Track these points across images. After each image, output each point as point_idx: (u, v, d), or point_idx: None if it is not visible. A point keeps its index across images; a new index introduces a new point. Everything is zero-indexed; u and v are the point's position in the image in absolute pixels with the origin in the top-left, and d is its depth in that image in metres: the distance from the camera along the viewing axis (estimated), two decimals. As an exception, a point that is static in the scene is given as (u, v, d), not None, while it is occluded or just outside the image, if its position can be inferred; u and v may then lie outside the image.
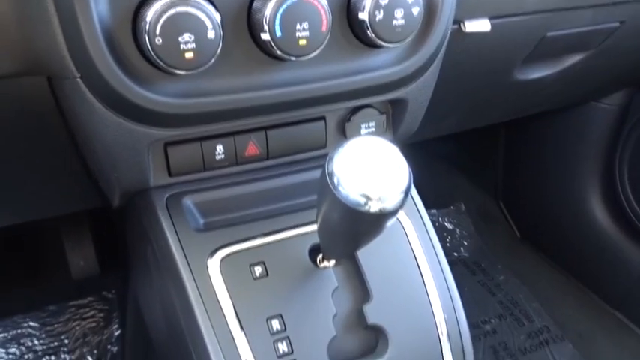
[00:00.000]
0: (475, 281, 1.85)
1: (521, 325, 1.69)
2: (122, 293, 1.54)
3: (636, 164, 1.59)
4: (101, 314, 1.56)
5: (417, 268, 0.77)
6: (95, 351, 1.50)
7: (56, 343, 1.49)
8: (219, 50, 0.62)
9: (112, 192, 0.77)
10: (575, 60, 1.19)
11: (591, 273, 1.77)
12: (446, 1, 0.73)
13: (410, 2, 0.68)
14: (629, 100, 1.58)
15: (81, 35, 0.58)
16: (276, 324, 0.67)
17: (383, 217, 0.55)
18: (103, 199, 0.90)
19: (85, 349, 1.49)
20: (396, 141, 0.87)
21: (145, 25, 0.58)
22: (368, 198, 0.53)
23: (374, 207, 0.54)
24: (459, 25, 0.86)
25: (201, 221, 0.73)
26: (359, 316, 0.72)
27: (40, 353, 1.47)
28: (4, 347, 1.46)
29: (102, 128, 0.65)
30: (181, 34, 0.59)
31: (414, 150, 0.93)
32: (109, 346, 1.51)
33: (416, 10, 0.69)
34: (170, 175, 0.73)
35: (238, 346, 0.66)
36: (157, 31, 0.58)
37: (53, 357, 1.47)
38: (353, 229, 0.59)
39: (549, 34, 1.02)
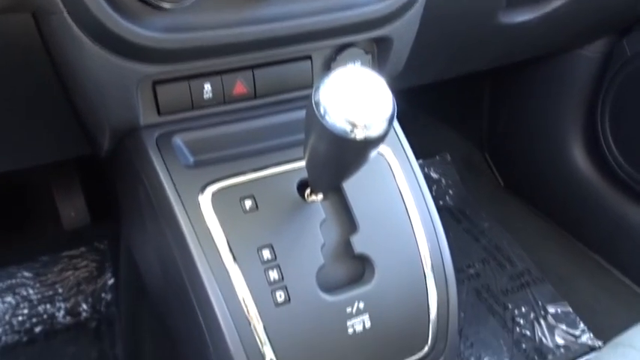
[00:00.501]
0: (460, 229, 1.90)
1: (504, 268, 1.75)
2: (113, 244, 1.56)
3: (617, 112, 1.62)
4: (94, 264, 1.58)
5: (402, 202, 0.79)
6: (90, 299, 1.53)
7: (51, 292, 1.52)
8: (205, -17, 0.62)
9: (101, 132, 0.78)
10: (559, 3, 1.20)
11: (573, 219, 1.83)
12: None
13: None
14: (612, 48, 1.59)
15: (66, -32, 0.58)
16: (266, 254, 0.70)
17: (368, 144, 0.57)
18: (91, 145, 0.91)
19: (79, 298, 1.53)
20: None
21: None
22: (354, 125, 0.55)
23: (359, 134, 0.56)
24: (444, -37, 0.87)
25: (192, 159, 0.75)
26: (346, 246, 0.74)
27: (35, 302, 1.50)
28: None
29: (90, 64, 0.65)
30: None
31: (400, 101, 0.94)
32: (102, 295, 1.54)
33: None
34: (159, 113, 0.74)
35: (232, 276, 0.68)
36: None
37: (49, 305, 1.50)
38: (339, 158, 0.61)
39: (534, -26, 1.03)
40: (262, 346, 0.68)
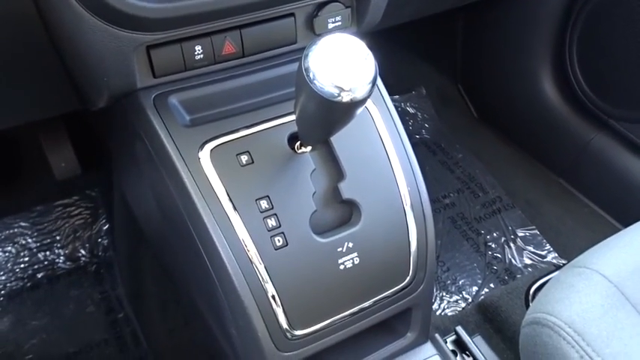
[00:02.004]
0: (436, 160, 1.99)
1: (477, 197, 1.86)
2: (105, 190, 1.61)
3: (584, 43, 1.68)
4: (87, 211, 1.64)
5: (383, 149, 0.86)
6: (87, 245, 1.60)
7: (49, 240, 1.59)
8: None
9: (99, 95, 0.82)
10: None
11: (541, 146, 1.93)
12: None
13: None
14: (581, -22, 1.63)
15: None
16: (264, 204, 0.77)
17: (353, 105, 0.63)
18: (84, 103, 0.94)
19: (77, 244, 1.60)
20: (361, 33, 0.93)
21: None
22: (341, 89, 0.61)
23: (346, 97, 0.61)
24: None
25: (188, 118, 0.79)
26: (335, 192, 0.81)
27: (35, 250, 1.57)
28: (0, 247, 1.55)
29: (90, 36, 0.69)
30: None
31: (376, 39, 0.98)
32: (99, 240, 1.61)
33: None
34: (155, 76, 0.78)
35: (233, 224, 0.75)
36: None
37: (48, 252, 1.57)
38: (327, 117, 0.67)
39: None
40: (264, 284, 0.77)
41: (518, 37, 1.85)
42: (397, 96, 2.09)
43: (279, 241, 0.77)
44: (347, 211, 0.83)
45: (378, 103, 0.87)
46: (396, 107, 0.90)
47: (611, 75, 1.64)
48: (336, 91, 0.61)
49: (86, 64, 0.74)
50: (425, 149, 2.01)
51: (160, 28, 0.72)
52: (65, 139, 1.53)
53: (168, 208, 0.84)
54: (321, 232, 0.80)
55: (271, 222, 0.77)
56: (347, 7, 0.87)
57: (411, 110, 2.10)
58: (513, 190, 1.87)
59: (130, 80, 0.77)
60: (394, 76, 2.09)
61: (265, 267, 0.77)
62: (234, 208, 0.76)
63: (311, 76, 0.61)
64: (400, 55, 2.15)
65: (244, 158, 0.78)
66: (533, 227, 1.76)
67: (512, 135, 2.01)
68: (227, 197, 0.76)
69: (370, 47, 0.63)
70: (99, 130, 1.39)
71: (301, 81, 0.63)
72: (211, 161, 0.77)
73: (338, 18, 0.87)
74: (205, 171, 0.76)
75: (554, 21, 1.73)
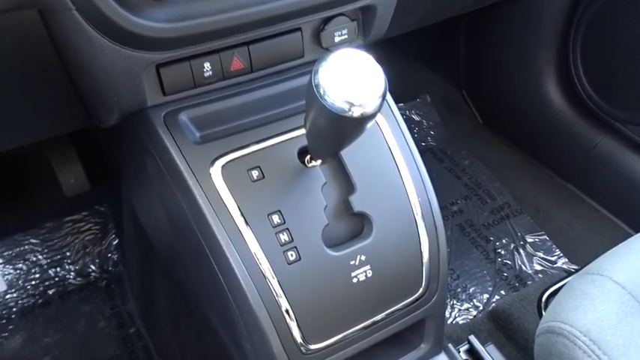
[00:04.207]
0: (442, 168, 1.99)
1: (485, 203, 1.86)
2: (114, 205, 1.62)
3: (587, 47, 1.69)
4: (97, 227, 1.65)
5: (393, 160, 0.86)
6: (97, 260, 1.61)
7: (59, 256, 1.59)
8: (201, -26, 0.66)
9: (109, 114, 0.82)
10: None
11: (547, 151, 1.93)
12: None
13: None
14: (583, -18, 1.64)
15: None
16: (276, 218, 0.77)
17: (364, 120, 0.63)
18: (94, 120, 0.95)
19: (87, 259, 1.60)
20: (367, 45, 0.93)
21: None
22: (351, 104, 0.61)
23: (356, 112, 0.62)
24: None
25: (198, 134, 0.80)
26: (346, 206, 0.82)
27: (45, 267, 1.57)
28: (10, 264, 1.55)
29: (100, 56, 0.69)
30: None
31: (379, 47, 0.99)
32: (109, 255, 1.62)
33: None
34: (164, 94, 0.79)
35: (246, 239, 0.75)
36: None
37: (58, 268, 1.58)
38: (338, 132, 0.67)
39: None
40: (278, 298, 0.77)
41: (521, 42, 1.85)
42: (402, 104, 2.09)
43: (291, 255, 0.77)
44: (358, 224, 0.83)
45: (386, 115, 0.88)
46: (402, 115, 0.90)
47: (616, 77, 1.64)
48: (346, 106, 0.61)
49: (96, 84, 0.75)
50: (431, 156, 2.01)
51: (170, 47, 0.73)
52: (73, 156, 1.54)
53: (179, 224, 0.84)
54: (333, 246, 0.80)
55: (283, 237, 0.77)
56: (353, 20, 0.88)
57: (416, 118, 2.11)
58: (521, 196, 1.87)
59: (140, 99, 0.77)
60: (399, 84, 2.09)
61: (278, 281, 0.77)
62: (247, 224, 0.76)
63: (321, 91, 0.62)
64: (404, 63, 2.16)
65: (255, 173, 0.78)
66: (543, 233, 1.75)
67: (519, 140, 2.01)
68: (239, 213, 0.76)
69: (376, 58, 0.64)
70: (107, 146, 1.40)
71: (311, 97, 0.63)
72: (222, 177, 0.77)
73: (344, 31, 0.87)
74: (217, 187, 0.76)
75: (556, 24, 1.73)
